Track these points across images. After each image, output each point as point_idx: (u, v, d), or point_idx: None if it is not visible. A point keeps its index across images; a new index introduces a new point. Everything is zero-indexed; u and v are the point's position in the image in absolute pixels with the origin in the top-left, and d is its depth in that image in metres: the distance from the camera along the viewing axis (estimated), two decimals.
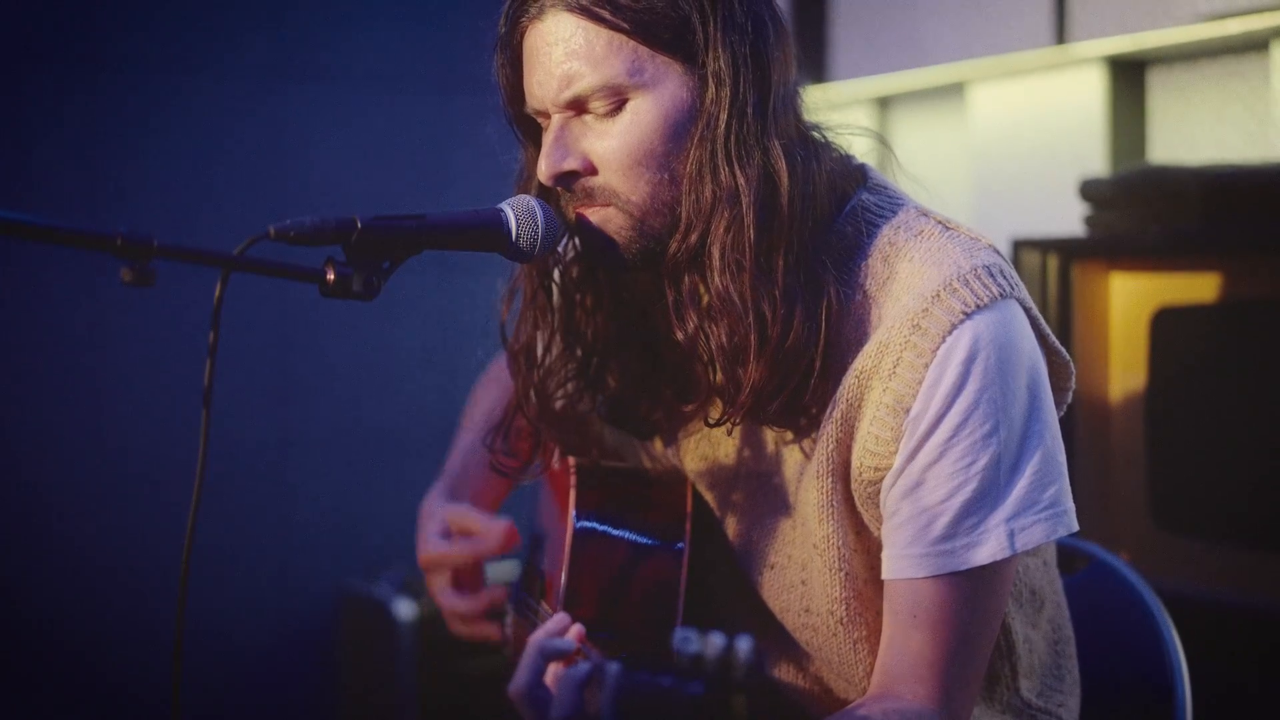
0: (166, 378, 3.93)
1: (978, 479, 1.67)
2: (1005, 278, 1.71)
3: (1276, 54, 2.99)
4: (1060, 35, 3.45)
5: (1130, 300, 2.97)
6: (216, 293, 1.52)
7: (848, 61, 4.11)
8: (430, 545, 2.07)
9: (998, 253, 1.75)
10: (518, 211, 1.72)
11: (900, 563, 1.70)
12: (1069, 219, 3.21)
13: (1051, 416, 1.73)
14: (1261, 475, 2.70)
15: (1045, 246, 2.98)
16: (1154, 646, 2.06)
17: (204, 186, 4.06)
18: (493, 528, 2.00)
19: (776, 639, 1.89)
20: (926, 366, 1.66)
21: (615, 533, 1.88)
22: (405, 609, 3.90)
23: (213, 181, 4.07)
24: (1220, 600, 2.71)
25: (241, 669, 4.14)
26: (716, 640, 1.18)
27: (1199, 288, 2.85)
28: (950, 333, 1.66)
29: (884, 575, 1.73)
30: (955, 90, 3.86)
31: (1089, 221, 3.02)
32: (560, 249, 1.89)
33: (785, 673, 1.90)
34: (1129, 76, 3.40)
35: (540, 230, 1.72)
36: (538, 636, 1.64)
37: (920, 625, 1.69)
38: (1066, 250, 2.98)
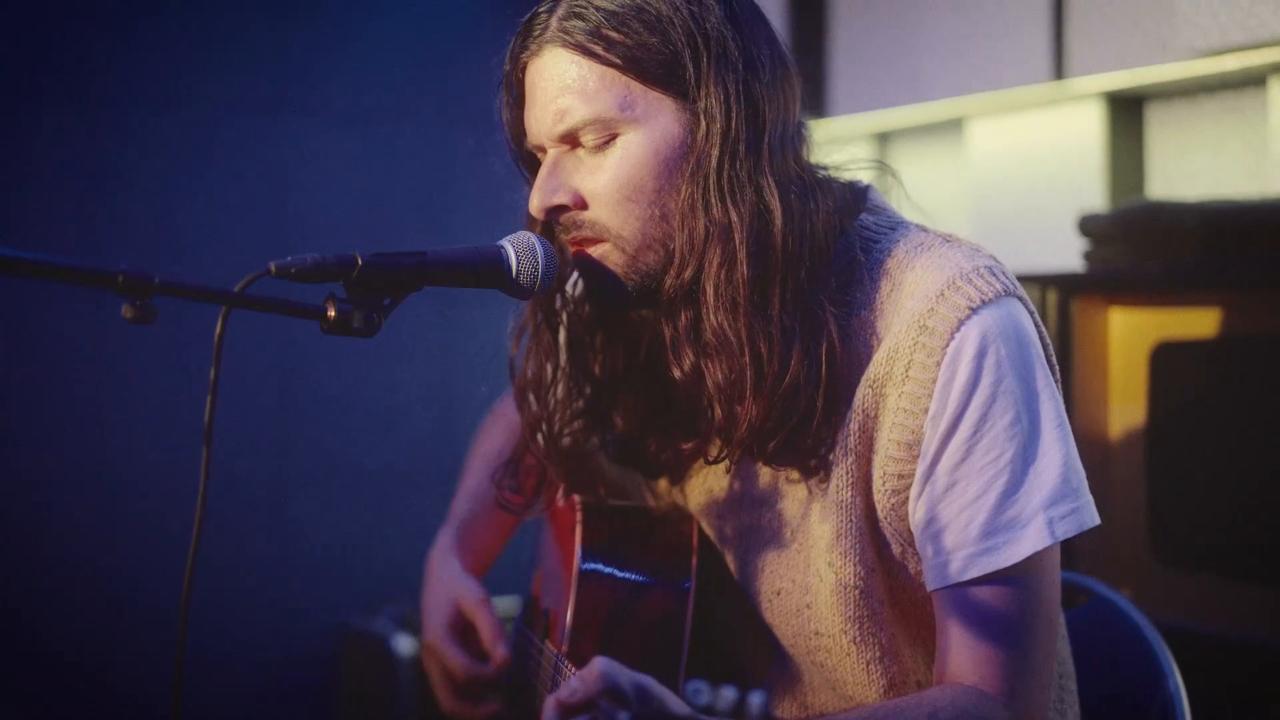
0: (167, 413, 3.93)
1: (1008, 471, 1.68)
2: (1007, 277, 1.73)
3: (1274, 90, 3.00)
4: (1059, 71, 3.46)
5: (1129, 335, 2.97)
6: (217, 329, 1.53)
7: (847, 96, 4.12)
8: (436, 636, 2.10)
9: (998, 261, 1.76)
10: (518, 248, 1.72)
11: (943, 570, 1.70)
12: (1068, 254, 3.21)
13: (1063, 409, 1.73)
14: (1262, 510, 2.69)
15: (1044, 282, 2.98)
16: (1155, 682, 2.06)
17: (205, 222, 4.06)
18: (496, 652, 2.04)
19: (786, 670, 1.88)
20: (938, 365, 1.68)
21: (621, 572, 1.88)
22: (405, 645, 3.89)
23: (214, 217, 4.08)
24: (1221, 635, 2.70)
25: (242, 704, 4.13)
26: (728, 693, 1.18)
27: (1198, 323, 2.85)
28: (958, 329, 1.67)
29: (930, 586, 1.72)
30: (954, 125, 3.87)
31: (1088, 257, 3.03)
32: (569, 287, 1.90)
33: (796, 705, 1.90)
34: (1127, 112, 3.41)
35: (541, 267, 1.73)
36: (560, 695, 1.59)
37: (974, 627, 1.69)
38: (1066, 285, 2.98)
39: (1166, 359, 2.89)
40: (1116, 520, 2.93)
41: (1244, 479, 2.74)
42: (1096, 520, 1.72)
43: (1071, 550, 2.86)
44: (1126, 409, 2.96)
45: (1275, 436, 2.69)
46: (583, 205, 1.74)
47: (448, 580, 2.13)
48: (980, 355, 1.67)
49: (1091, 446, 2.96)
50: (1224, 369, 2.82)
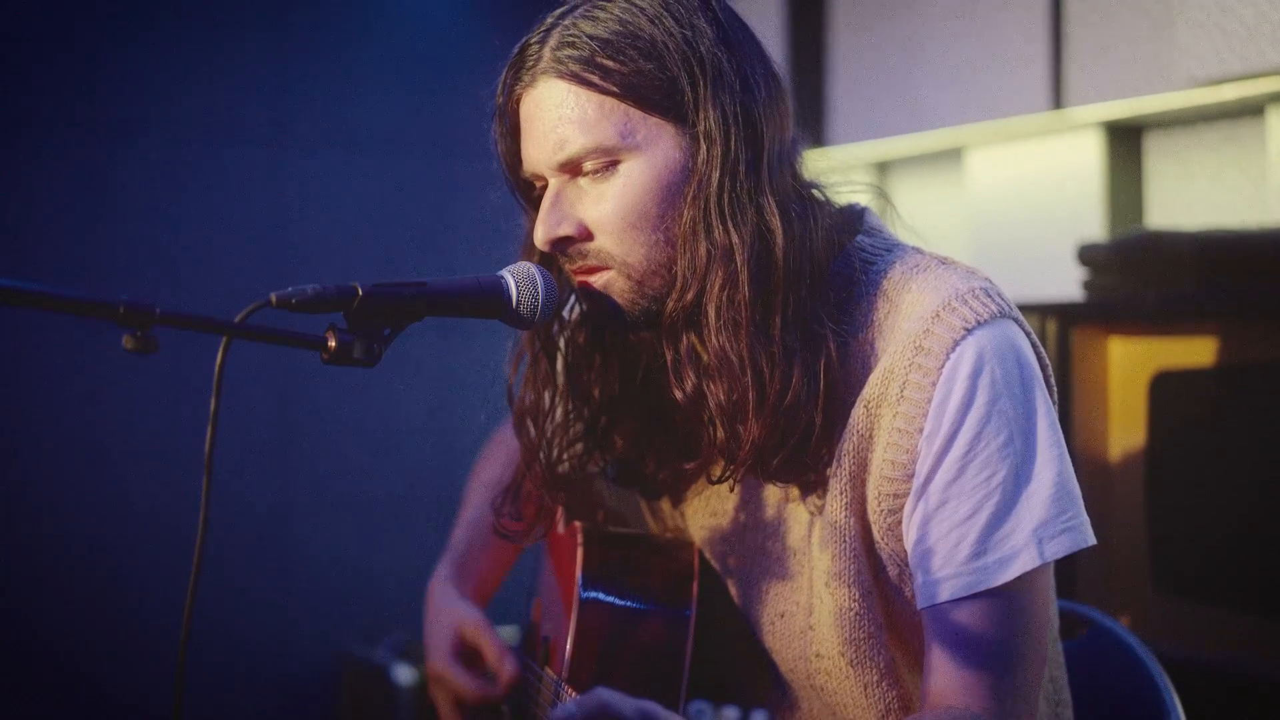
0: (168, 443, 3.94)
1: (999, 492, 1.67)
2: (1003, 299, 1.73)
3: (1272, 119, 3.01)
4: (1057, 100, 3.47)
5: (1129, 364, 2.97)
6: (218, 359, 1.53)
7: (846, 126, 4.13)
8: (441, 662, 2.08)
9: (994, 283, 1.76)
10: (518, 278, 1.72)
11: (933, 588, 1.69)
12: (1067, 283, 3.22)
13: (1059, 429, 1.73)
14: (1262, 539, 2.69)
15: (1044, 311, 2.98)
16: (1156, 712, 2.05)
17: (206, 252, 4.07)
18: (503, 668, 2.00)
19: (786, 696, 1.88)
20: (934, 385, 1.67)
21: (621, 599, 1.87)
22: (405, 674, 3.88)
23: (214, 246, 4.09)
24: (1222, 665, 2.69)
25: None
26: (730, 714, 1.17)
27: (1197, 351, 2.85)
28: (953, 349, 1.67)
29: (919, 605, 1.72)
30: (953, 155, 3.88)
31: (1087, 286, 3.03)
32: (566, 312, 1.90)
33: None
34: (1126, 141, 3.42)
35: (541, 296, 1.73)
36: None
37: (962, 646, 1.68)
38: (1065, 314, 2.98)
39: (1166, 387, 2.89)
40: (1117, 549, 2.93)
41: (1245, 507, 2.74)
42: (1091, 540, 1.71)
43: (1072, 579, 2.86)
44: (1126, 437, 2.96)
45: (1275, 464, 2.68)
46: (587, 235, 1.74)
47: (447, 608, 2.12)
48: (975, 375, 1.67)
49: (1092, 475, 2.96)
50: (1223, 397, 2.82)
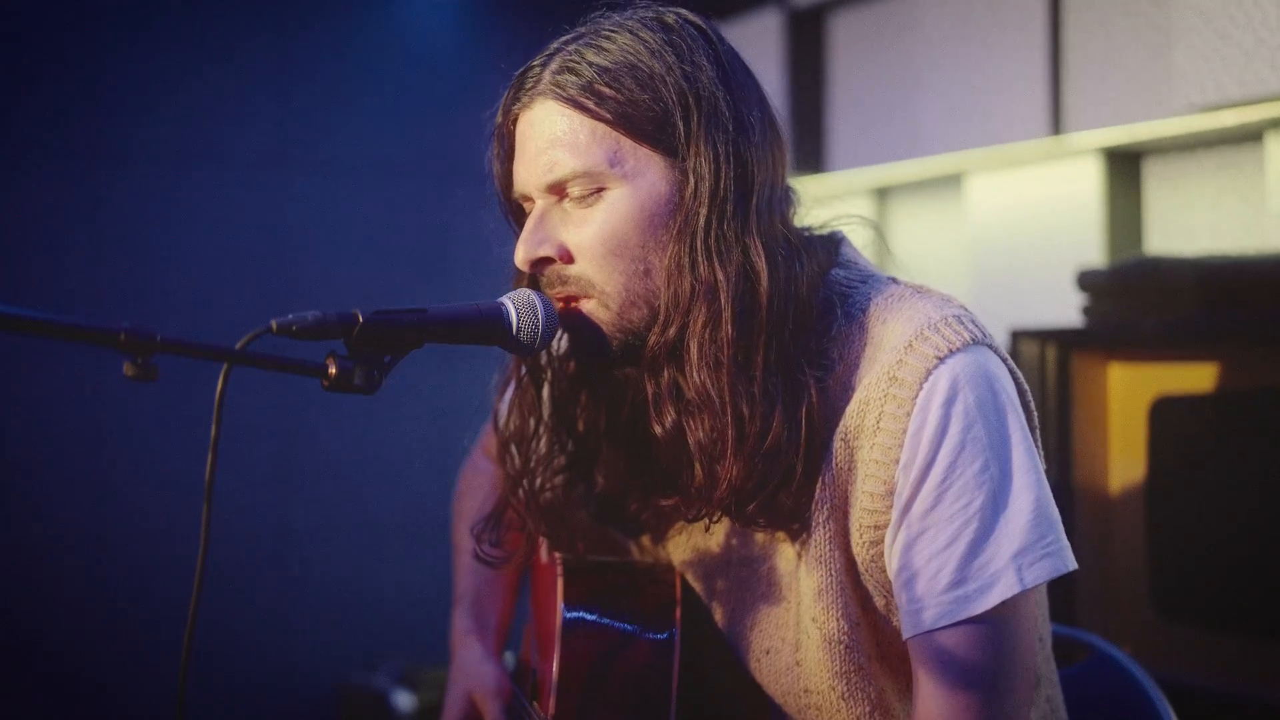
0: (168, 471, 3.94)
1: (977, 519, 1.66)
2: (976, 325, 1.73)
3: (1271, 145, 3.02)
4: (1056, 126, 3.48)
5: (1129, 390, 2.98)
6: (218, 387, 1.53)
7: (846, 152, 4.14)
8: None
9: (968, 310, 1.76)
10: (518, 305, 1.72)
11: (915, 618, 1.69)
12: (1067, 309, 3.22)
13: (1036, 455, 1.72)
14: (1263, 564, 2.69)
15: (1043, 337, 2.99)
16: None
17: (206, 278, 4.08)
18: None
19: None
20: (908, 415, 1.67)
21: (603, 628, 1.86)
22: (404, 700, 3.87)
23: (215, 273, 4.10)
24: (1222, 689, 2.69)
25: None
26: None
27: (1197, 377, 2.85)
28: (926, 378, 1.67)
29: (904, 635, 1.71)
30: (953, 181, 3.89)
31: (1087, 312, 3.03)
32: (555, 342, 1.90)
33: None
34: (1125, 167, 3.42)
35: (541, 323, 1.72)
36: None
37: (947, 675, 1.67)
38: (1065, 340, 2.99)
39: (1166, 413, 2.90)
40: (1117, 575, 2.92)
41: (1245, 532, 2.74)
42: (1071, 565, 1.70)
43: (1072, 604, 2.86)
44: (1126, 463, 2.96)
45: (1275, 490, 2.68)
46: (568, 259, 1.74)
47: (469, 668, 2.12)
48: (949, 403, 1.67)
49: (1092, 501, 2.95)
50: (1223, 423, 2.82)
